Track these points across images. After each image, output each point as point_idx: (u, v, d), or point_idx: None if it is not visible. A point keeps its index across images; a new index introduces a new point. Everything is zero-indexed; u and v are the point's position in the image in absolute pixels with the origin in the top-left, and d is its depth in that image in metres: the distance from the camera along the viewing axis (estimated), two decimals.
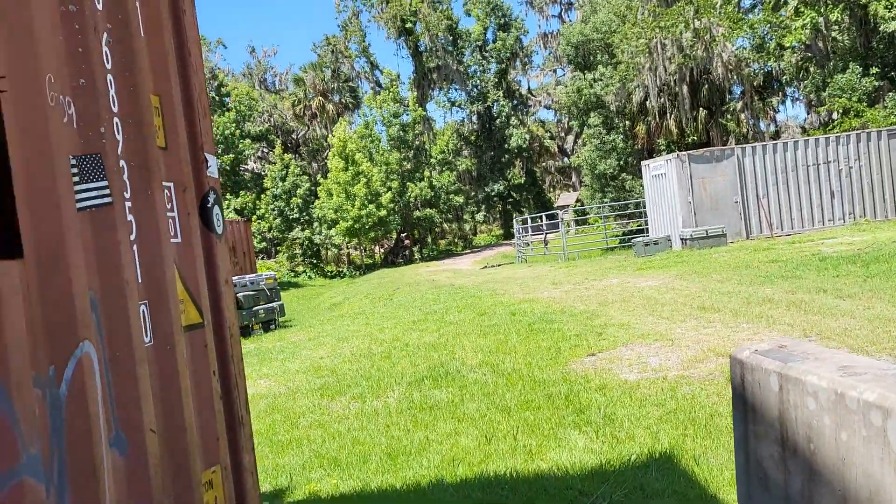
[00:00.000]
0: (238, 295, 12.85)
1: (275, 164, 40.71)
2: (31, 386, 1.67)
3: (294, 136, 52.97)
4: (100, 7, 2.39)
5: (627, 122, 36.71)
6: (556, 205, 50.34)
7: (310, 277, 38.93)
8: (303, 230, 39.92)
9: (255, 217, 39.26)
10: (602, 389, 6.63)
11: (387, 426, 6.41)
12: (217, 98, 41.86)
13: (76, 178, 2.08)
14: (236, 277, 13.13)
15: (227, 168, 39.24)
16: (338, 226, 36.44)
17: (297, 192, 39.41)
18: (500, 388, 7.14)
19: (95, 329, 2.04)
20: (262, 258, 42.20)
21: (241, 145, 39.97)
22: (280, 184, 39.28)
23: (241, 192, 40.14)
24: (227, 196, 38.95)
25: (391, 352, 9.94)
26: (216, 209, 3.17)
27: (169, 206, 2.76)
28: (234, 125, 39.82)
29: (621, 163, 37.12)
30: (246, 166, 43.96)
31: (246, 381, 3.31)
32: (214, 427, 2.88)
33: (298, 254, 40.43)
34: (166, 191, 2.75)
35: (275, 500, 4.88)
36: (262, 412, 7.48)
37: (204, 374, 2.83)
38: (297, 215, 39.48)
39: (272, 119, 50.88)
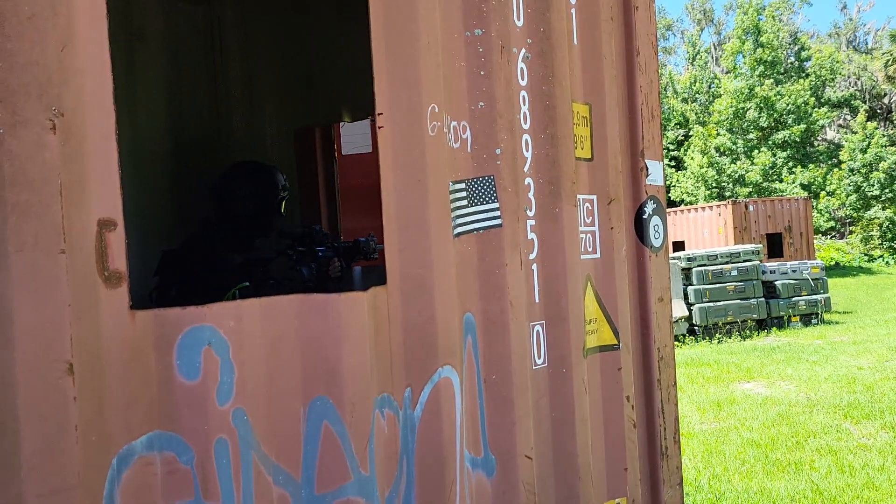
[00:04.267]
0: (776, 283, 11.94)
1: (856, 133, 36.32)
2: (369, 408, 1.77)
3: (885, 100, 46.38)
4: (519, 23, 2.37)
5: None
6: None
7: (887, 264, 33.94)
8: (884, 209, 34.92)
9: (823, 193, 35.89)
10: None
11: None
12: (795, 63, 39.30)
13: (463, 203, 2.13)
14: (774, 263, 12.18)
15: (797, 140, 36.63)
16: None
17: (881, 165, 34.51)
18: None
19: (463, 353, 2.07)
20: (832, 238, 38.44)
21: (815, 114, 36.86)
22: (859, 156, 34.95)
23: (811, 166, 37.11)
24: (794, 169, 36.48)
25: None
26: (655, 220, 2.93)
27: (589, 220, 2.65)
28: (808, 92, 36.89)
29: None
30: (824, 136, 40.39)
31: (678, 406, 3.01)
32: (623, 456, 2.70)
33: (876, 236, 35.52)
34: (587, 204, 2.64)
35: None
36: (769, 421, 6.83)
37: (613, 399, 2.67)
38: (877, 192, 34.65)
39: (859, 83, 45.40)
